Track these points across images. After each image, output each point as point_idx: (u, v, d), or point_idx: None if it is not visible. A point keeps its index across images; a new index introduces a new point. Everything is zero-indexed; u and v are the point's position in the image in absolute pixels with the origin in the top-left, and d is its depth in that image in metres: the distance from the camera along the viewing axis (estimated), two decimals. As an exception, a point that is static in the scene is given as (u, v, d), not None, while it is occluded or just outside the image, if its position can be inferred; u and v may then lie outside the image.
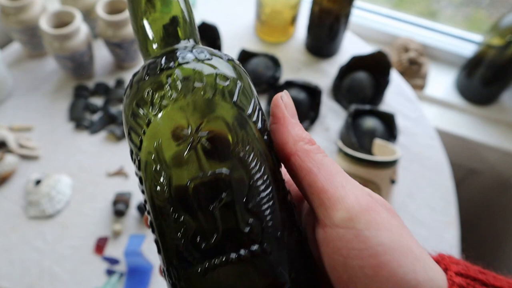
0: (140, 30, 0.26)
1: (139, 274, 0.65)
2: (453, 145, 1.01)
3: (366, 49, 0.94)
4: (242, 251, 0.21)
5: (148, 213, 0.23)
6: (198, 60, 0.23)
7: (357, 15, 1.11)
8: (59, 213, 0.71)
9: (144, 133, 0.22)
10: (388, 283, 0.19)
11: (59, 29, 0.77)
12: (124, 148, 0.79)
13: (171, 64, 0.23)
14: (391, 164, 0.68)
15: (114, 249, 0.68)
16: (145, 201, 0.23)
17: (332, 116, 0.85)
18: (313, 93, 0.83)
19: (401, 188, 0.77)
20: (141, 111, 0.22)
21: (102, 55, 0.90)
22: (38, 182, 0.72)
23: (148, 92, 0.22)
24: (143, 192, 0.24)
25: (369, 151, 0.75)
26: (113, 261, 0.66)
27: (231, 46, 0.93)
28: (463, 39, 1.09)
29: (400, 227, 0.21)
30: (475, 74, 1.00)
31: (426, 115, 0.88)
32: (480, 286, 0.20)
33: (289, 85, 0.84)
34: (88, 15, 0.86)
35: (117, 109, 0.83)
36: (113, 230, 0.68)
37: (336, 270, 0.21)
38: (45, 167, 0.75)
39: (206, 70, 0.23)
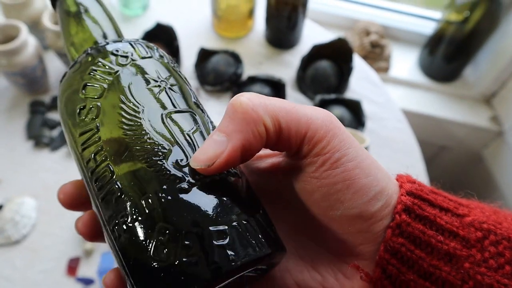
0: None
1: (116, 292, 0.63)
2: (422, 124, 1.02)
3: (327, 36, 0.92)
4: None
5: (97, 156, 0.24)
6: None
7: (315, 1, 1.10)
8: (25, 238, 0.68)
9: (111, 81, 0.24)
10: (358, 193, 0.21)
11: (4, 44, 0.73)
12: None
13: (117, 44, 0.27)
14: (360, 152, 0.67)
15: (88, 269, 0.65)
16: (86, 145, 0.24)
17: (299, 108, 0.84)
18: (277, 86, 0.81)
19: (373, 175, 0.77)
20: (104, 67, 0.25)
21: (55, 66, 0.86)
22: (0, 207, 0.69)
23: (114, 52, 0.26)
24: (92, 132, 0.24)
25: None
26: (87, 282, 0.64)
27: (189, 46, 0.90)
28: (422, 17, 1.09)
29: (358, 144, 0.23)
30: (437, 51, 1.00)
31: (392, 97, 0.88)
32: (426, 206, 0.22)
33: (252, 80, 0.82)
34: (36, 27, 0.82)
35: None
36: (85, 249, 0.66)
37: (310, 193, 0.22)
38: (6, 191, 0.72)
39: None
